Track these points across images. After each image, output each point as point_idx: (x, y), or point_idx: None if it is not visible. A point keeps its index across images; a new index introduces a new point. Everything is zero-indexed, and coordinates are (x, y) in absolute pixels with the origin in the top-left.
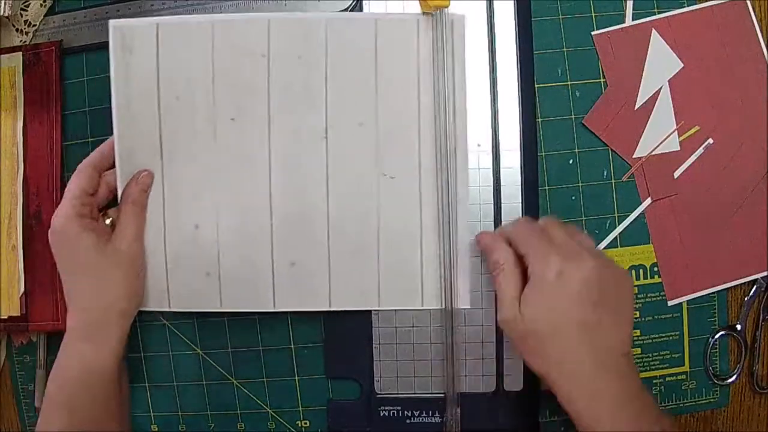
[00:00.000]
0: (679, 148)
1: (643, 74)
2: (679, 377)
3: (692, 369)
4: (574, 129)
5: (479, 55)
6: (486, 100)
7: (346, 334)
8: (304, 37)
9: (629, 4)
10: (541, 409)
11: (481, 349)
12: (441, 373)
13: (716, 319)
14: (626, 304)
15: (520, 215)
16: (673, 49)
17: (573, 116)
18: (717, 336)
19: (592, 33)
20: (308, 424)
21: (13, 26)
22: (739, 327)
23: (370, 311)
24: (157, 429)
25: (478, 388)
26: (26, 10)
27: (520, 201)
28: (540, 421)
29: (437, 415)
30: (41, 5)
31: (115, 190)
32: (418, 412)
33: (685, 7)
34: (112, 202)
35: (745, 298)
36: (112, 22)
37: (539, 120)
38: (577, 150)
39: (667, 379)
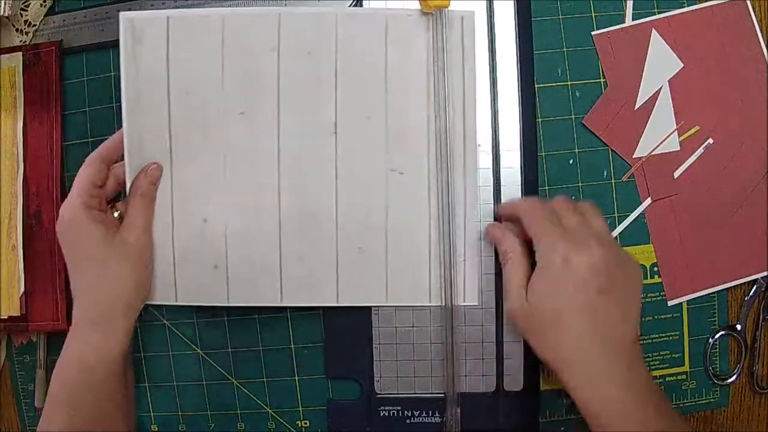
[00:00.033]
0: (679, 148)
1: (643, 74)
2: (679, 377)
3: (692, 369)
4: (574, 129)
5: (479, 55)
6: (486, 100)
7: (346, 334)
8: (314, 32)
9: (629, 4)
10: (541, 409)
11: (481, 349)
12: (441, 373)
13: (716, 319)
14: (634, 292)
15: None
16: (673, 49)
17: (573, 116)
18: (717, 336)
19: (592, 33)
20: (308, 424)
21: (13, 26)
22: (739, 327)
23: (370, 311)
24: (157, 429)
25: (478, 388)
26: (26, 10)
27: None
28: (540, 421)
29: (437, 415)
30: (41, 5)
31: (124, 182)
32: (418, 412)
33: (685, 7)
34: (120, 195)
35: (745, 298)
36: (122, 14)
37: (539, 120)
38: (577, 150)
39: (667, 379)
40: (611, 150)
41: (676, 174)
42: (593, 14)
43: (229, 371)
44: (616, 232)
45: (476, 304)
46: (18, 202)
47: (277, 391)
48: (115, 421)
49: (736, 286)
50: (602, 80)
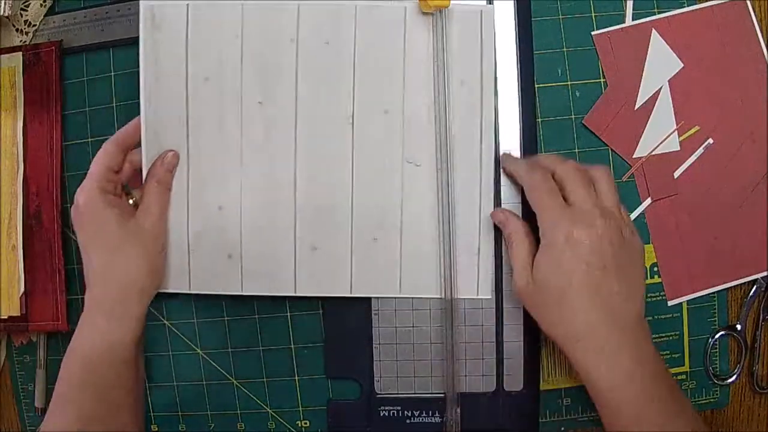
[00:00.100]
0: (679, 148)
1: (643, 74)
2: (679, 377)
3: (692, 369)
4: (574, 129)
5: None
6: None
7: (346, 334)
8: (333, 23)
9: (629, 4)
10: (541, 409)
11: (481, 349)
12: (441, 373)
13: (716, 319)
14: (637, 268)
15: (520, 215)
16: (673, 49)
17: (573, 116)
18: (717, 336)
19: (592, 33)
20: (308, 424)
21: (13, 26)
22: (739, 327)
23: (370, 311)
24: (157, 429)
25: (478, 388)
26: (26, 10)
27: (520, 201)
28: (540, 421)
29: (437, 415)
30: (41, 5)
31: (139, 169)
32: (418, 412)
33: (685, 7)
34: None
35: (745, 298)
36: (143, 2)
37: (539, 120)
38: (577, 150)
39: None
40: (611, 150)
41: (676, 174)
42: (593, 14)
43: (229, 371)
44: None
45: (490, 297)
46: (18, 202)
47: (277, 391)
48: (125, 408)
49: (736, 286)
50: (602, 80)
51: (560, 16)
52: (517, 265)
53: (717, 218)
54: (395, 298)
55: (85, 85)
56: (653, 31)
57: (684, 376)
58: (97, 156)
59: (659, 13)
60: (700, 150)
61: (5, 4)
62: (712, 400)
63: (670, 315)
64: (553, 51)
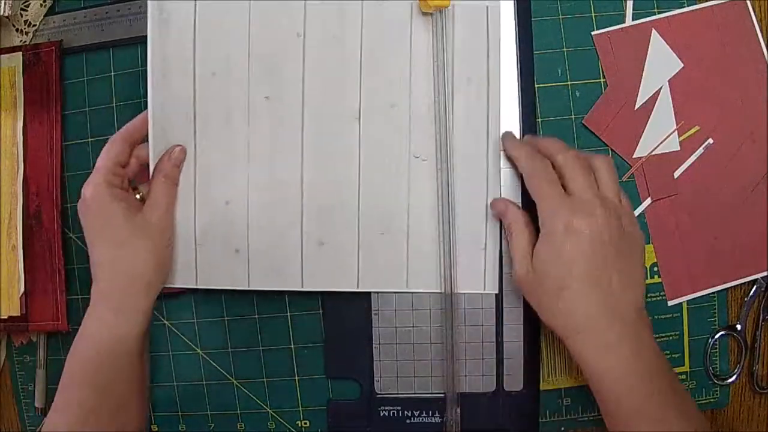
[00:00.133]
0: (679, 148)
1: (643, 74)
2: (680, 377)
3: (692, 369)
4: (574, 129)
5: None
6: None
7: (346, 334)
8: (340, 18)
9: (629, 4)
10: (541, 409)
11: (481, 349)
12: (441, 373)
13: (716, 319)
14: (637, 259)
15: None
16: (673, 49)
17: (573, 116)
18: (717, 336)
19: (592, 33)
20: (308, 424)
21: (13, 26)
22: (739, 327)
23: (370, 311)
24: (157, 429)
25: (478, 388)
26: (26, 10)
27: (520, 202)
28: (540, 421)
29: (437, 415)
30: (41, 5)
31: (146, 163)
32: (418, 412)
33: (685, 7)
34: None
35: (745, 298)
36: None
37: (539, 120)
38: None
39: None
40: (611, 150)
41: (676, 174)
42: (593, 14)
43: (229, 371)
44: None
45: (496, 292)
46: (18, 202)
47: (277, 391)
48: (130, 402)
49: (736, 286)
50: (602, 80)
51: (560, 16)
52: (517, 255)
53: (717, 218)
54: (399, 293)
55: (85, 85)
56: (653, 31)
57: (684, 376)
58: (104, 150)
59: (659, 13)
60: (700, 150)
61: (5, 4)
62: (712, 400)
63: (670, 315)
64: (553, 51)
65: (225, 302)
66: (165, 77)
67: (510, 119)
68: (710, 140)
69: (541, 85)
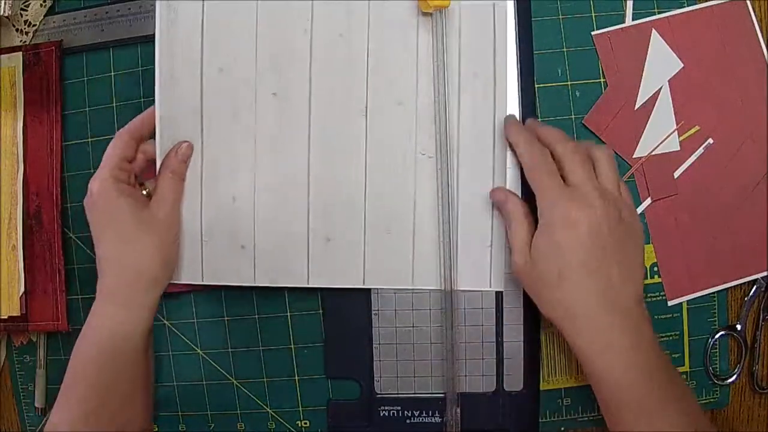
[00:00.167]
0: (679, 148)
1: (643, 74)
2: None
3: (692, 369)
4: (574, 129)
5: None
6: None
7: (346, 334)
8: (347, 15)
9: (629, 4)
10: (541, 409)
11: (481, 349)
12: (441, 373)
13: (716, 319)
14: (637, 251)
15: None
16: (673, 49)
17: (573, 116)
18: (717, 336)
19: (592, 33)
20: (308, 424)
21: (13, 26)
22: (739, 327)
23: (370, 311)
24: (157, 429)
25: (478, 388)
26: (26, 10)
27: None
28: (540, 421)
29: (437, 415)
30: (41, 5)
31: (152, 159)
32: (418, 412)
33: (685, 7)
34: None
35: (745, 298)
36: None
37: (539, 120)
38: None
39: None
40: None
41: (676, 174)
42: (593, 14)
43: (229, 371)
44: None
45: (502, 289)
46: (18, 202)
47: (277, 391)
48: (135, 398)
49: (736, 286)
50: (602, 80)
51: (560, 16)
52: (516, 245)
53: (717, 218)
54: (399, 294)
55: (85, 85)
56: (653, 31)
57: (684, 376)
58: (110, 145)
59: (659, 13)
60: (700, 150)
61: (5, 4)
62: (712, 400)
63: (670, 315)
64: (553, 51)
65: (225, 302)
66: (172, 73)
67: None
68: (710, 140)
69: (541, 85)
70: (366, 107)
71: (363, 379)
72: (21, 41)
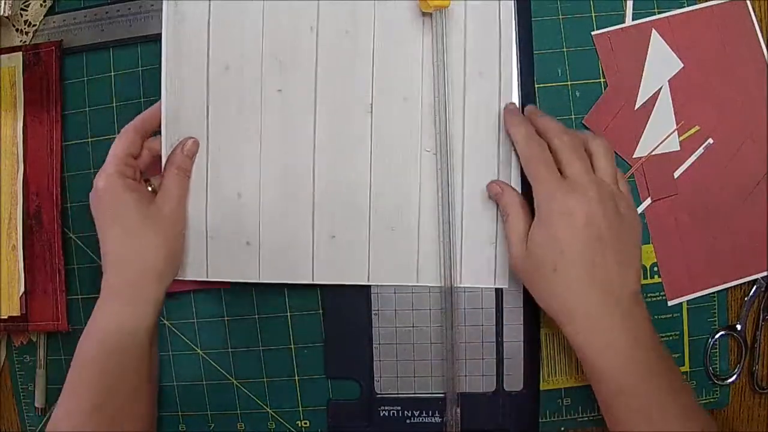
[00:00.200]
0: (679, 148)
1: (643, 74)
2: None
3: (692, 369)
4: (574, 129)
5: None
6: None
7: (346, 334)
8: (352, 12)
9: (629, 4)
10: (541, 409)
11: (481, 349)
12: (441, 373)
13: (716, 319)
14: (634, 243)
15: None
16: (673, 49)
17: (573, 116)
18: (717, 336)
19: (592, 33)
20: (308, 424)
21: (13, 26)
22: (739, 327)
23: (370, 311)
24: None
25: (478, 388)
26: (26, 10)
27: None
28: (540, 421)
29: (437, 415)
30: (41, 5)
31: (157, 156)
32: (418, 412)
33: (685, 7)
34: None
35: (745, 298)
36: None
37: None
38: None
39: None
40: None
41: (676, 174)
42: (593, 14)
43: (229, 371)
44: None
45: (506, 286)
46: (18, 202)
47: (277, 391)
48: (139, 395)
49: (736, 286)
50: (602, 80)
51: (560, 16)
52: (513, 237)
53: (717, 218)
54: (399, 293)
55: (85, 85)
56: (653, 31)
57: (684, 376)
58: (116, 141)
59: (659, 13)
60: (700, 150)
61: (5, 4)
62: (712, 400)
63: (670, 315)
64: (553, 51)
65: (225, 302)
66: (178, 70)
67: None
68: (710, 140)
69: (541, 85)
70: (371, 104)
71: (363, 379)
72: (21, 41)
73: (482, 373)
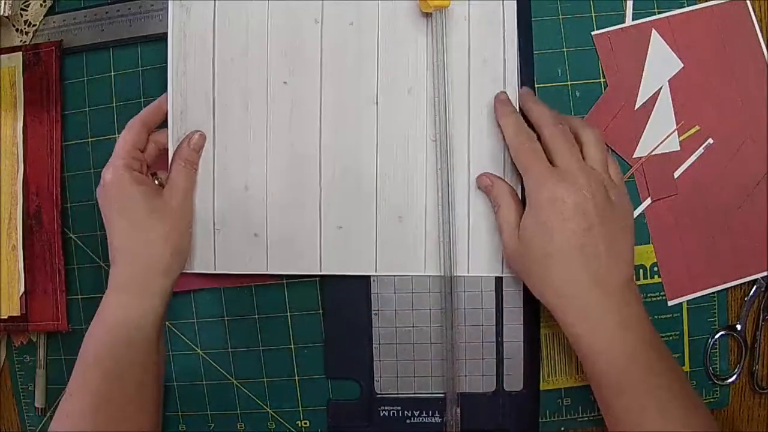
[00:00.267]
0: (679, 148)
1: (643, 74)
2: None
3: (692, 369)
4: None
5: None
6: None
7: (346, 334)
8: (357, 4)
9: (629, 4)
10: (541, 409)
11: (481, 349)
12: (441, 373)
13: (716, 319)
14: (625, 231)
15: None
16: (673, 49)
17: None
18: (717, 336)
19: (592, 33)
20: (308, 424)
21: (13, 26)
22: (739, 327)
23: (370, 311)
24: None
25: (478, 388)
26: (26, 10)
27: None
28: (540, 421)
29: (437, 415)
30: (41, 5)
31: (164, 149)
32: (418, 412)
33: (685, 7)
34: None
35: (745, 298)
36: None
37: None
38: None
39: None
40: (611, 150)
41: (676, 174)
42: (593, 14)
43: (229, 371)
44: None
45: (514, 275)
46: (18, 202)
47: (277, 391)
48: (145, 389)
49: (736, 286)
50: (602, 80)
51: (560, 16)
52: (505, 228)
53: (717, 218)
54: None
55: (85, 85)
56: (653, 31)
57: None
58: (122, 135)
59: (659, 13)
60: (700, 150)
61: (5, 4)
62: (712, 400)
63: (670, 315)
64: (553, 51)
65: (225, 302)
66: (184, 62)
67: None
68: (710, 140)
69: (541, 85)
70: (376, 95)
71: (363, 379)
72: (21, 41)
73: (482, 373)
